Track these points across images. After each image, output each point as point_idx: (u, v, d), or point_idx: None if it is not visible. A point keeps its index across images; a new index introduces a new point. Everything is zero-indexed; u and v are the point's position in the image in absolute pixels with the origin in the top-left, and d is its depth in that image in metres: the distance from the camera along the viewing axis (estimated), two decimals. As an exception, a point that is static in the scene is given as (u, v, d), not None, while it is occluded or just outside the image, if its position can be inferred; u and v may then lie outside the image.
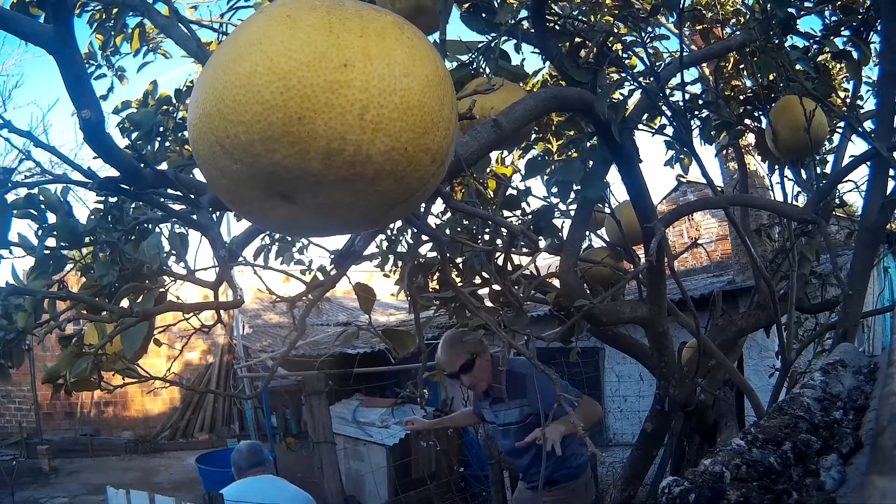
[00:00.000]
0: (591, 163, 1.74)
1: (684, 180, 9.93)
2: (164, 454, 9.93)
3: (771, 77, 2.19)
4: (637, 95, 1.98)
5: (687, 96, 1.87)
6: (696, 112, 1.96)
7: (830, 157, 2.49)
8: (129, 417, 10.82)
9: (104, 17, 2.00)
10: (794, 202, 2.39)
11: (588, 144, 1.82)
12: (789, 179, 2.40)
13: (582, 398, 2.77)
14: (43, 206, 1.15)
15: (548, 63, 2.32)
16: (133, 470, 9.05)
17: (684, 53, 1.72)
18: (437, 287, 2.00)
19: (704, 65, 2.65)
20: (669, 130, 2.03)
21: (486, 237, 1.97)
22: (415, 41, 0.64)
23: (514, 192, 2.01)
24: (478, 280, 1.88)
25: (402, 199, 0.66)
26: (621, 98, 1.67)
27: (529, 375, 2.64)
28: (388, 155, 0.61)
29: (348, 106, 0.58)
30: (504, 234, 1.88)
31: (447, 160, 0.69)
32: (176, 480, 8.42)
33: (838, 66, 2.63)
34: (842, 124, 2.32)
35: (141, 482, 8.20)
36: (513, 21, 1.54)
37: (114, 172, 0.78)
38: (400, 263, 2.35)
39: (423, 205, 0.91)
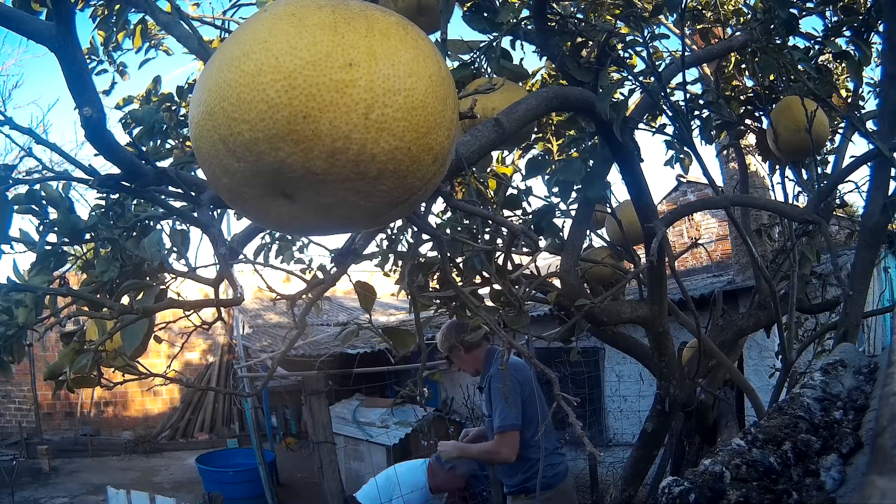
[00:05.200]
0: (591, 162, 1.74)
1: (684, 180, 9.93)
2: (164, 454, 9.93)
3: (772, 77, 2.19)
4: (637, 95, 1.98)
5: (688, 96, 1.87)
6: (697, 112, 1.96)
7: (831, 158, 2.49)
8: (129, 417, 10.83)
9: (106, 12, 1.99)
10: (795, 202, 2.39)
11: (589, 144, 1.82)
12: (790, 180, 2.39)
13: (501, 436, 2.75)
14: (44, 202, 1.16)
15: (545, 60, 2.32)
16: (133, 470, 9.06)
17: (686, 53, 1.72)
18: (438, 286, 1.99)
19: (705, 64, 2.65)
20: (669, 130, 2.03)
21: (487, 236, 1.96)
22: (419, 41, 0.65)
23: (515, 192, 2.00)
24: (478, 279, 1.88)
25: (404, 199, 0.66)
26: (622, 98, 1.67)
27: (494, 371, 2.74)
28: (392, 154, 0.61)
29: (353, 105, 0.58)
30: (504, 233, 1.87)
31: (448, 160, 0.69)
32: (176, 480, 8.43)
33: (840, 66, 2.62)
34: (843, 125, 2.32)
35: (141, 482, 8.20)
36: (514, 20, 1.53)
37: (115, 170, 0.79)
38: (400, 263, 2.35)
39: (424, 203, 0.91)
